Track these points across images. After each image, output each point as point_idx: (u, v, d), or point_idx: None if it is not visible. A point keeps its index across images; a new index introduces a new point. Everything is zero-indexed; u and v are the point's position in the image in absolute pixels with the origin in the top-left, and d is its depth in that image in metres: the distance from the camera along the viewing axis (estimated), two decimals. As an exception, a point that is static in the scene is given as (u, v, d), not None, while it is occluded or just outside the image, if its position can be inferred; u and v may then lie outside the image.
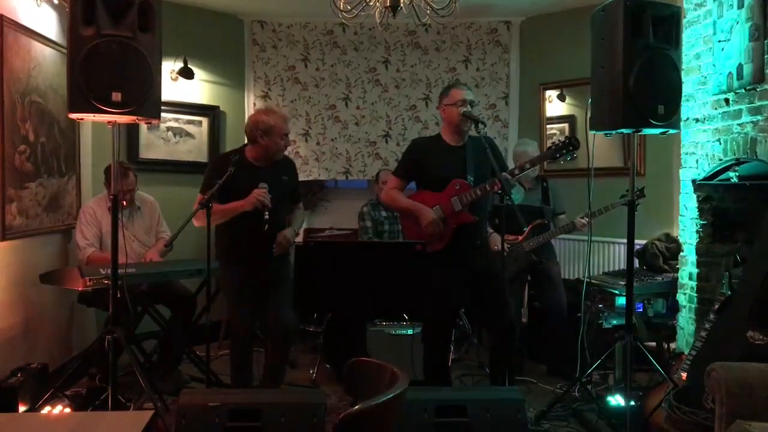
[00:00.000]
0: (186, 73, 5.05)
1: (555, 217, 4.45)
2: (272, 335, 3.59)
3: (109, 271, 3.15)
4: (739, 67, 3.14)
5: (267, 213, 3.29)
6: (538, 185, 4.46)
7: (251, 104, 5.57)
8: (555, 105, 5.42)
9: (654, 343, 4.16)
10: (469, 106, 3.33)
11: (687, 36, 3.72)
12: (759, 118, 3.05)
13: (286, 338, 3.57)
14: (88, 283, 3.37)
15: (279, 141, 3.43)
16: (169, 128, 5.15)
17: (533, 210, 4.32)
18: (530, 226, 4.22)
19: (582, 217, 4.05)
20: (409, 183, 3.54)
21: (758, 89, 3.04)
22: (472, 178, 3.35)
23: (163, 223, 4.27)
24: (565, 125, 5.32)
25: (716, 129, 3.48)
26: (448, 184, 3.34)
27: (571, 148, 3.36)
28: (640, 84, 2.90)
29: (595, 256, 5.00)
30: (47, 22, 3.90)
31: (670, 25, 2.99)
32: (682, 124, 3.56)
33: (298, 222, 3.76)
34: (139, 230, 4.13)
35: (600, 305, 4.09)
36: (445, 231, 3.33)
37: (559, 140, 3.39)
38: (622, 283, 3.79)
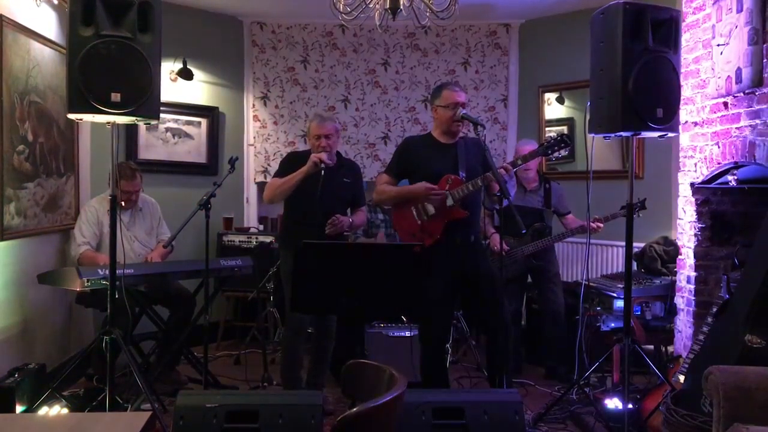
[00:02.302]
0: (185, 74, 5.05)
1: (562, 217, 4.41)
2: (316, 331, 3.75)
3: (107, 271, 3.15)
4: (738, 71, 3.14)
5: (323, 167, 3.47)
6: (540, 187, 4.43)
7: (250, 105, 5.57)
8: (554, 107, 5.42)
9: (652, 346, 4.16)
10: (461, 107, 3.33)
11: (686, 39, 3.73)
12: (757, 121, 3.05)
13: (328, 335, 3.71)
14: (86, 284, 3.36)
15: (314, 142, 3.63)
16: (168, 129, 5.15)
17: (533, 212, 4.30)
18: (530, 230, 4.20)
19: (594, 221, 3.98)
20: (400, 181, 3.54)
21: (757, 93, 3.04)
22: (464, 174, 3.34)
23: (164, 224, 4.26)
24: (564, 128, 5.32)
25: (715, 132, 3.48)
26: (440, 180, 3.34)
27: (562, 144, 3.36)
28: (639, 87, 2.90)
29: (594, 258, 5.01)
30: (47, 22, 3.90)
31: (669, 29, 2.99)
32: (680, 127, 3.57)
33: (358, 218, 3.79)
34: (140, 231, 4.12)
35: (598, 308, 4.09)
36: (435, 226, 3.33)
37: (551, 137, 3.39)
38: (621, 285, 3.79)
